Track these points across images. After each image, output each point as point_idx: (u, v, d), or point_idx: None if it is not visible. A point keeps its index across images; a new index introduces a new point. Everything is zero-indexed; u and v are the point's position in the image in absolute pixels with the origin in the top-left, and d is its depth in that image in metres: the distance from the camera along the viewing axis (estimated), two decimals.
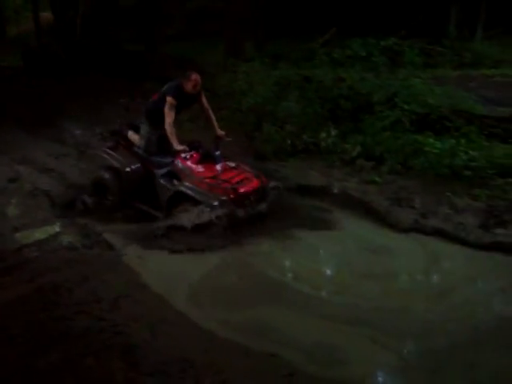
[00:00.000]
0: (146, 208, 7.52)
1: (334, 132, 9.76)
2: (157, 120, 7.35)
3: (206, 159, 7.26)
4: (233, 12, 15.92)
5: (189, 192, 6.95)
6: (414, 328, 5.06)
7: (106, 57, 16.88)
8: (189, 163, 7.18)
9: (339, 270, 6.30)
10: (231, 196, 6.80)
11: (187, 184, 7.03)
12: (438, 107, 9.63)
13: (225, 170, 7.19)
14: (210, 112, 7.62)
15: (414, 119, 9.41)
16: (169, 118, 7.11)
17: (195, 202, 6.84)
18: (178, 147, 7.13)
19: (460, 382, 4.35)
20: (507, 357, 4.60)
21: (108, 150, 7.92)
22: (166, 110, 7.12)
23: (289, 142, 9.70)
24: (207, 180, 6.96)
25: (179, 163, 7.22)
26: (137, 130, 7.85)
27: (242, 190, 6.92)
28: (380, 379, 4.45)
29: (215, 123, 7.59)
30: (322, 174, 8.89)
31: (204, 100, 7.56)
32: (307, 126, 10.05)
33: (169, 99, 7.14)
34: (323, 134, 9.76)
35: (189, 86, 7.24)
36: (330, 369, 4.46)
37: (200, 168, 7.14)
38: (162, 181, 7.33)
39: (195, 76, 7.25)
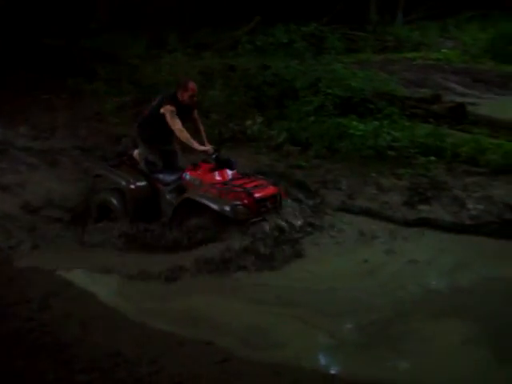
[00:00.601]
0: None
1: (259, 119, 9.79)
2: (151, 138, 6.90)
3: (219, 168, 6.67)
4: (156, 2, 15.74)
5: (197, 198, 6.34)
6: (343, 306, 5.14)
7: (25, 52, 16.31)
8: (198, 172, 6.65)
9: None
10: (245, 201, 6.20)
11: (195, 191, 6.47)
12: (361, 90, 9.82)
13: (237, 177, 6.69)
14: (200, 123, 7.15)
15: (337, 103, 9.54)
16: (176, 124, 6.51)
17: (204, 212, 6.26)
18: (201, 148, 6.66)
19: (389, 354, 4.46)
20: (432, 326, 4.76)
21: (110, 168, 7.32)
22: (169, 119, 6.52)
23: (215, 131, 9.70)
24: (217, 185, 6.40)
25: (187, 175, 6.70)
26: None
27: (257, 195, 6.29)
28: (313, 358, 4.52)
29: (204, 136, 7.11)
30: (250, 161, 8.91)
31: (195, 111, 7.05)
32: (233, 114, 10.04)
33: (167, 107, 6.54)
34: (249, 122, 9.77)
35: (185, 97, 6.67)
36: (264, 352, 4.48)
37: (210, 175, 6.59)
38: (168, 196, 6.79)
39: (192, 85, 6.70)
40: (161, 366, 4.24)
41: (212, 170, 6.62)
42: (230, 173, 6.66)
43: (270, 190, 6.49)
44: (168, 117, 6.53)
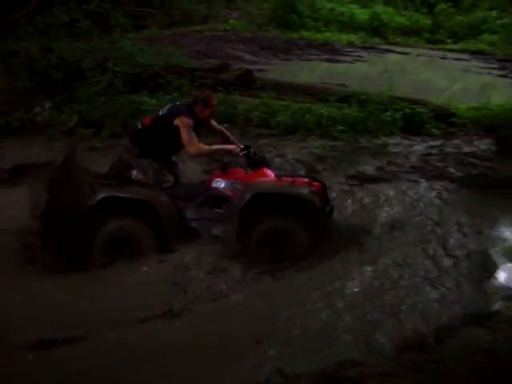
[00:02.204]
0: None
1: (48, 105, 9.31)
2: (156, 151, 5.88)
3: (256, 166, 5.90)
4: None
5: (270, 189, 5.54)
6: None
7: None
8: (237, 176, 5.81)
9: None
10: (314, 189, 5.62)
11: (262, 184, 5.63)
12: (150, 65, 9.76)
13: (280, 174, 6.10)
14: (226, 131, 6.34)
15: (127, 80, 9.40)
16: (193, 140, 5.65)
17: (278, 211, 5.49)
18: (229, 147, 5.92)
19: None
20: None
21: (117, 188, 5.77)
22: (185, 133, 5.64)
23: (1, 121, 9.07)
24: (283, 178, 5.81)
25: (222, 183, 5.80)
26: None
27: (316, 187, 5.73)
28: None
29: (233, 139, 6.30)
30: (44, 150, 8.48)
31: (214, 122, 6.19)
32: (19, 102, 9.45)
33: (185, 120, 5.68)
34: (38, 109, 9.27)
35: (205, 113, 5.88)
36: None
37: (253, 175, 5.80)
38: (195, 212, 5.79)
39: (215, 101, 5.98)
40: None
41: (251, 170, 5.90)
42: (270, 171, 5.93)
43: (318, 185, 5.87)
44: (184, 131, 5.66)
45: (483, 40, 16.31)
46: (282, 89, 9.83)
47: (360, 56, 14.75)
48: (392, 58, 14.83)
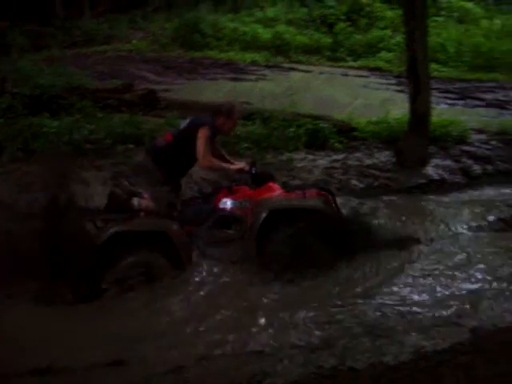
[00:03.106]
0: None
1: None
2: (176, 170, 5.81)
3: (263, 182, 5.83)
4: None
5: (284, 204, 5.55)
6: None
7: None
8: (245, 194, 5.74)
9: None
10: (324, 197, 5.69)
11: (276, 201, 5.61)
12: (51, 87, 9.53)
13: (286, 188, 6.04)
14: (222, 150, 6.19)
15: (27, 102, 9.12)
16: (207, 152, 5.58)
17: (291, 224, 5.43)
18: (235, 166, 5.84)
19: None
20: None
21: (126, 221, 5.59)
22: (201, 145, 5.55)
23: None
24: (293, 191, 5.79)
25: (231, 203, 5.69)
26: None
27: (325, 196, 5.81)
28: None
29: (229, 158, 6.17)
30: None
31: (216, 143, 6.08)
32: None
33: (204, 131, 5.58)
34: None
35: (227, 126, 5.83)
36: None
37: (262, 192, 5.72)
38: (207, 237, 5.61)
39: (238, 114, 5.93)
40: None
41: (259, 187, 5.78)
42: (276, 185, 5.92)
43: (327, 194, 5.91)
44: (201, 141, 5.56)
45: (381, 57, 16.99)
46: (187, 108, 9.80)
47: (264, 74, 15.04)
48: (295, 75, 15.20)
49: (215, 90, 13.29)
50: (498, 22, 18.50)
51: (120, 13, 20.44)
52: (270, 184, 5.82)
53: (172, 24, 18.60)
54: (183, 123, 5.87)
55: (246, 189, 5.82)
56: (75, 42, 17.24)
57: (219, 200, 5.75)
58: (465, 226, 6.57)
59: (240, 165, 5.91)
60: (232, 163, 6.04)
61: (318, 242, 5.44)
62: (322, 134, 9.05)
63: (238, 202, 5.69)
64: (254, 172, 5.81)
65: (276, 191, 5.78)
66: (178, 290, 5.34)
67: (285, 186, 6.32)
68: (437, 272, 5.47)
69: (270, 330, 4.65)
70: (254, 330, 4.68)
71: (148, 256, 5.44)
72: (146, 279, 5.37)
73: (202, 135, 5.56)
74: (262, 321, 4.82)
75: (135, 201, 5.75)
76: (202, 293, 5.31)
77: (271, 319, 4.81)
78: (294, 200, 5.63)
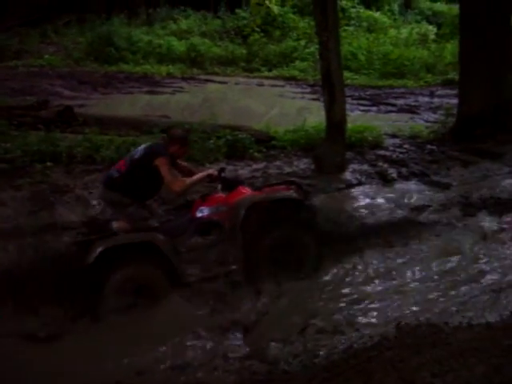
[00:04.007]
0: None
1: None
2: (141, 194, 5.77)
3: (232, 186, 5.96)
4: None
5: (266, 198, 5.78)
6: None
7: None
8: (218, 199, 5.87)
9: None
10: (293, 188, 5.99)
11: (252, 197, 5.78)
12: None
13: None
14: (190, 166, 6.26)
15: None
16: (174, 178, 5.67)
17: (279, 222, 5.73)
18: (203, 174, 5.92)
19: None
20: None
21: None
22: (167, 174, 5.57)
23: None
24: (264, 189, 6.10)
25: (206, 210, 5.83)
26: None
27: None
28: None
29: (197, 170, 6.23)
30: None
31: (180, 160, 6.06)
32: None
33: (163, 160, 5.58)
34: None
35: (180, 152, 5.88)
36: None
37: (234, 195, 5.84)
38: (189, 246, 5.71)
39: (187, 138, 6.06)
40: None
41: (230, 191, 5.90)
42: (246, 188, 6.05)
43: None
44: (166, 170, 5.57)
45: (295, 67, 17.40)
46: (105, 123, 9.74)
47: (180, 87, 15.09)
48: (211, 87, 15.34)
49: (132, 104, 13.23)
50: (404, 30, 19.33)
51: (30, 27, 19.93)
52: (241, 188, 5.99)
53: (85, 38, 18.34)
54: (136, 153, 5.84)
55: (219, 195, 5.98)
56: None
57: (195, 209, 5.90)
58: None
59: (209, 171, 6.11)
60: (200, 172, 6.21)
61: (301, 229, 5.86)
62: (241, 144, 9.14)
63: (214, 207, 5.85)
64: (223, 177, 5.99)
65: (247, 193, 5.96)
66: None
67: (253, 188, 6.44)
68: None
69: None
70: None
71: (140, 269, 5.47)
72: (143, 292, 5.39)
73: (163, 164, 5.61)
74: None
75: (113, 223, 5.79)
76: None
77: None
78: (270, 194, 5.91)
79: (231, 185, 6.00)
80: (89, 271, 5.25)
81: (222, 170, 6.15)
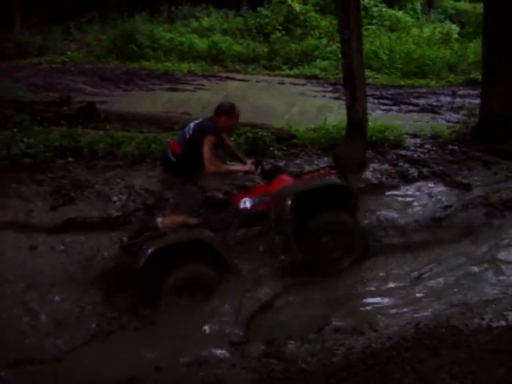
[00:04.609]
0: None
1: None
2: (190, 171, 5.95)
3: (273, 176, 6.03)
4: None
5: (308, 187, 5.78)
6: None
7: None
8: (261, 189, 5.96)
9: None
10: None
11: (296, 186, 5.82)
12: None
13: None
14: (234, 149, 6.47)
15: None
16: (212, 157, 5.70)
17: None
18: (242, 169, 6.02)
19: None
20: None
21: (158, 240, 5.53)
22: (207, 152, 5.66)
23: None
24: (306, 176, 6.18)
25: (249, 201, 5.87)
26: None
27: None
28: None
29: (240, 154, 6.43)
30: None
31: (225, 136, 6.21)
32: None
33: (210, 138, 5.70)
34: None
35: (229, 124, 5.95)
36: None
37: (276, 184, 5.90)
38: (237, 238, 5.75)
39: (238, 111, 5.99)
40: None
41: (270, 180, 5.98)
42: (287, 176, 6.08)
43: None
44: (207, 148, 5.69)
45: (316, 66, 17.35)
46: (126, 120, 9.80)
47: (201, 84, 15.13)
48: (232, 84, 15.36)
49: (153, 101, 13.29)
50: (426, 29, 19.17)
51: (53, 24, 20.13)
52: (281, 176, 6.03)
53: (107, 35, 18.45)
54: (187, 132, 5.96)
55: (261, 185, 6.08)
56: (7, 54, 16.83)
57: (238, 201, 5.95)
58: None
59: (246, 167, 6.08)
60: (244, 160, 6.28)
61: (347, 215, 5.95)
62: (261, 142, 9.11)
63: (257, 198, 5.89)
64: (263, 170, 6.05)
65: (289, 181, 5.98)
66: None
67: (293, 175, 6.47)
68: None
69: None
70: None
71: (191, 267, 5.50)
72: (196, 288, 5.41)
73: (208, 142, 5.71)
74: None
75: (158, 220, 5.87)
76: None
77: None
78: (313, 182, 5.96)
79: (271, 174, 6.06)
80: (141, 274, 5.27)
81: (259, 162, 6.21)
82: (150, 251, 5.27)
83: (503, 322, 4.37)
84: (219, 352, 4.58)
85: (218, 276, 5.50)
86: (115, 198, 7.33)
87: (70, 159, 8.05)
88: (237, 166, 6.15)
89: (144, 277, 5.30)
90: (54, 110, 9.66)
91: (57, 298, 5.68)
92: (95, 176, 7.85)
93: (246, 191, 6.04)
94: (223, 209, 6.11)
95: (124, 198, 7.33)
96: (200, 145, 5.72)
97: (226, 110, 5.97)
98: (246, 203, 5.90)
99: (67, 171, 7.87)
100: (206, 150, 5.68)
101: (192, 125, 5.99)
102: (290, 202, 5.61)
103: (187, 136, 5.92)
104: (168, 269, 5.36)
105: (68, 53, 17.41)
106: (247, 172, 6.08)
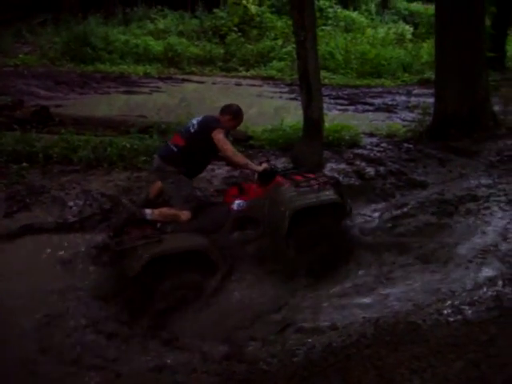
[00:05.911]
0: None
1: None
2: (191, 169, 5.91)
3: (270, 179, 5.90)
4: None
5: (305, 202, 5.67)
6: None
7: None
8: (257, 191, 5.85)
9: None
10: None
11: (298, 200, 5.67)
12: None
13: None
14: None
15: None
16: (231, 147, 5.73)
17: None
18: (259, 168, 5.89)
19: None
20: None
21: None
22: (223, 143, 5.67)
23: None
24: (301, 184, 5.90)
25: (243, 203, 5.79)
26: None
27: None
28: None
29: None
30: None
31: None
32: None
33: (219, 131, 5.69)
34: None
35: (230, 125, 5.96)
36: None
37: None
38: (229, 241, 5.66)
39: (243, 117, 6.04)
40: None
41: (268, 185, 5.86)
42: (282, 178, 5.99)
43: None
44: (221, 141, 5.67)
45: (272, 67, 17.42)
46: (82, 123, 9.66)
47: (157, 86, 15.04)
48: (189, 86, 15.30)
49: (109, 104, 13.13)
50: (381, 30, 19.46)
51: (3, 26, 19.67)
52: (278, 179, 5.94)
53: (61, 37, 18.16)
54: (192, 127, 5.90)
55: (256, 187, 5.96)
56: None
57: (232, 202, 5.85)
58: None
59: (262, 166, 6.02)
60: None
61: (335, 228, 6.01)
62: None
63: (251, 201, 5.82)
64: (264, 173, 5.93)
65: (284, 184, 5.91)
66: None
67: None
68: None
69: None
70: None
71: (187, 275, 5.40)
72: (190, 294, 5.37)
73: (219, 133, 5.72)
74: None
75: (147, 213, 5.74)
76: None
77: None
78: (312, 196, 5.81)
79: (268, 177, 5.95)
80: (135, 279, 5.16)
81: (274, 167, 6.41)
82: (146, 258, 5.14)
83: (460, 317, 4.44)
84: (180, 356, 4.53)
85: (210, 284, 5.47)
86: (71, 203, 7.21)
87: (25, 164, 7.91)
88: (253, 165, 6.05)
89: (138, 282, 5.19)
90: (7, 114, 9.46)
91: None
92: (51, 181, 7.71)
93: (240, 190, 5.99)
94: (215, 208, 6.04)
95: (80, 202, 7.20)
96: (206, 138, 5.73)
97: (233, 111, 6.00)
98: (241, 205, 5.83)
99: (21, 177, 7.72)
100: (223, 140, 5.72)
101: (195, 121, 5.97)
102: (289, 219, 5.59)
103: (192, 130, 5.88)
104: (163, 277, 5.29)
105: (20, 55, 17.06)
106: (264, 171, 5.97)
